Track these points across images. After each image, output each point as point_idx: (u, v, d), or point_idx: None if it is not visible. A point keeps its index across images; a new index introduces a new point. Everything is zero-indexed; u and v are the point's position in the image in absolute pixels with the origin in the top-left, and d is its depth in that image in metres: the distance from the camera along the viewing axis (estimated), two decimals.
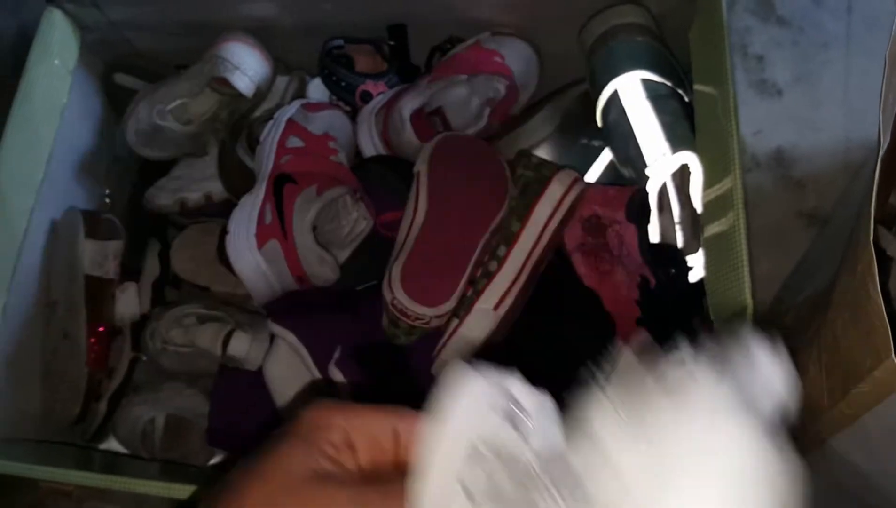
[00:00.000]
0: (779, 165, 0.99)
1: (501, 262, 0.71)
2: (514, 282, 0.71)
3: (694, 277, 0.76)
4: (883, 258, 0.83)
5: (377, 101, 0.85)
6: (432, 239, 0.69)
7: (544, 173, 0.74)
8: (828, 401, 0.44)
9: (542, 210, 0.73)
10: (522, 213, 0.73)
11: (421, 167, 0.73)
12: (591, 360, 0.76)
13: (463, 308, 0.70)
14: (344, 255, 0.76)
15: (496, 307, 0.70)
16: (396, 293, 0.66)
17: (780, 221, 0.96)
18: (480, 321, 0.70)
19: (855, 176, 0.89)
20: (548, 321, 0.75)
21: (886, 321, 0.37)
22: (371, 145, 0.84)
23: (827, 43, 1.06)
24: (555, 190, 0.74)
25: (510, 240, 0.72)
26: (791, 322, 0.63)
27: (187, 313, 0.86)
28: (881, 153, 0.43)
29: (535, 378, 0.77)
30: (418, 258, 0.67)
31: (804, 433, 0.52)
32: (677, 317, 0.77)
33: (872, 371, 0.38)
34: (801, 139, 1.00)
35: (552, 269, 0.78)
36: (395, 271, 0.67)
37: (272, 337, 0.71)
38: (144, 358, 0.89)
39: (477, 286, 0.71)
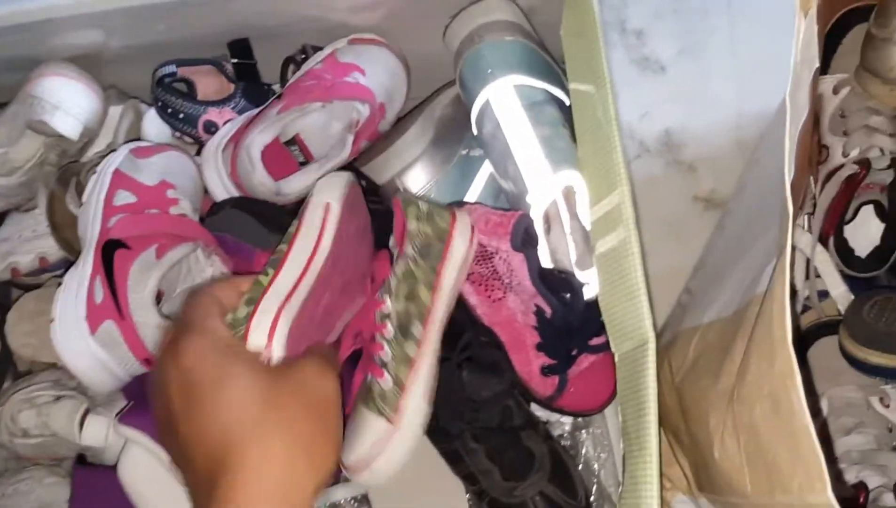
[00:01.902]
0: (668, 148, 0.94)
1: (420, 342, 0.62)
2: (435, 360, 0.64)
3: (590, 294, 0.71)
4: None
5: (223, 133, 0.75)
6: (321, 294, 0.56)
7: (442, 226, 0.66)
8: (752, 490, 0.39)
9: (450, 273, 0.65)
10: (430, 279, 0.64)
11: (331, 199, 0.59)
12: (489, 403, 0.70)
13: (386, 406, 0.61)
14: None
15: (429, 399, 0.63)
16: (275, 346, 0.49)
17: (677, 209, 0.91)
18: (416, 420, 0.62)
19: (751, 160, 0.85)
20: (443, 368, 0.68)
21: (818, 447, 0.32)
22: (221, 187, 0.73)
23: (708, 10, 1.00)
24: (459, 247, 0.66)
25: (423, 313, 0.63)
26: (699, 352, 0.58)
27: (36, 394, 0.76)
28: (790, 212, 0.37)
29: (436, 427, 0.70)
30: (307, 314, 0.56)
31: (726, 496, 0.47)
32: (579, 340, 0.72)
33: (804, 495, 0.33)
34: (689, 118, 0.95)
35: None
36: (285, 319, 0.50)
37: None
38: None
39: (398, 375, 0.61)
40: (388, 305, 0.62)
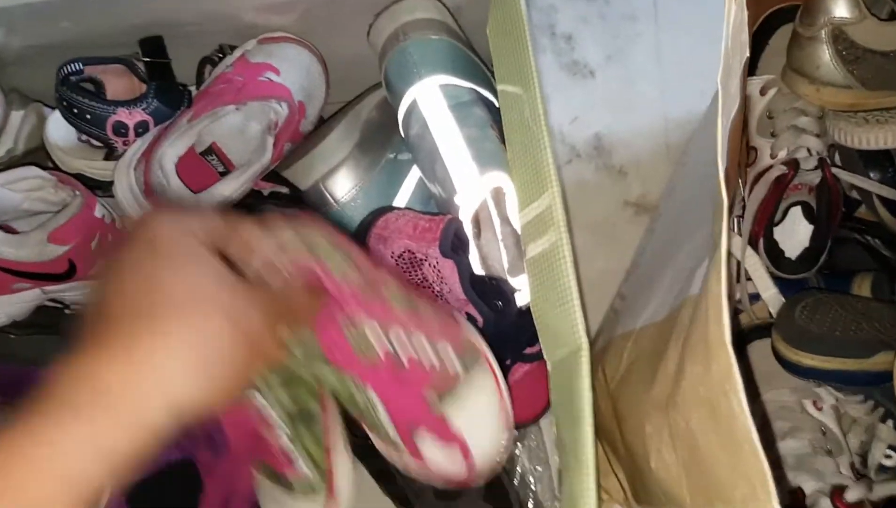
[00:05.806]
0: (599, 153, 0.93)
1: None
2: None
3: (522, 301, 0.69)
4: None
5: (134, 150, 0.69)
6: None
7: None
8: (690, 502, 0.37)
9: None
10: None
11: None
12: None
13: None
14: None
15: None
16: None
17: (608, 213, 0.90)
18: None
19: (679, 163, 0.85)
20: None
21: (762, 454, 0.30)
22: (136, 207, 0.68)
23: (634, 15, 1.00)
24: None
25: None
26: (633, 358, 0.56)
27: None
28: (724, 201, 0.35)
29: (366, 445, 0.67)
30: None
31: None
32: (513, 349, 0.70)
33: (747, 506, 0.31)
34: (618, 123, 0.94)
35: None
36: None
37: None
38: None
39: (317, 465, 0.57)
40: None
